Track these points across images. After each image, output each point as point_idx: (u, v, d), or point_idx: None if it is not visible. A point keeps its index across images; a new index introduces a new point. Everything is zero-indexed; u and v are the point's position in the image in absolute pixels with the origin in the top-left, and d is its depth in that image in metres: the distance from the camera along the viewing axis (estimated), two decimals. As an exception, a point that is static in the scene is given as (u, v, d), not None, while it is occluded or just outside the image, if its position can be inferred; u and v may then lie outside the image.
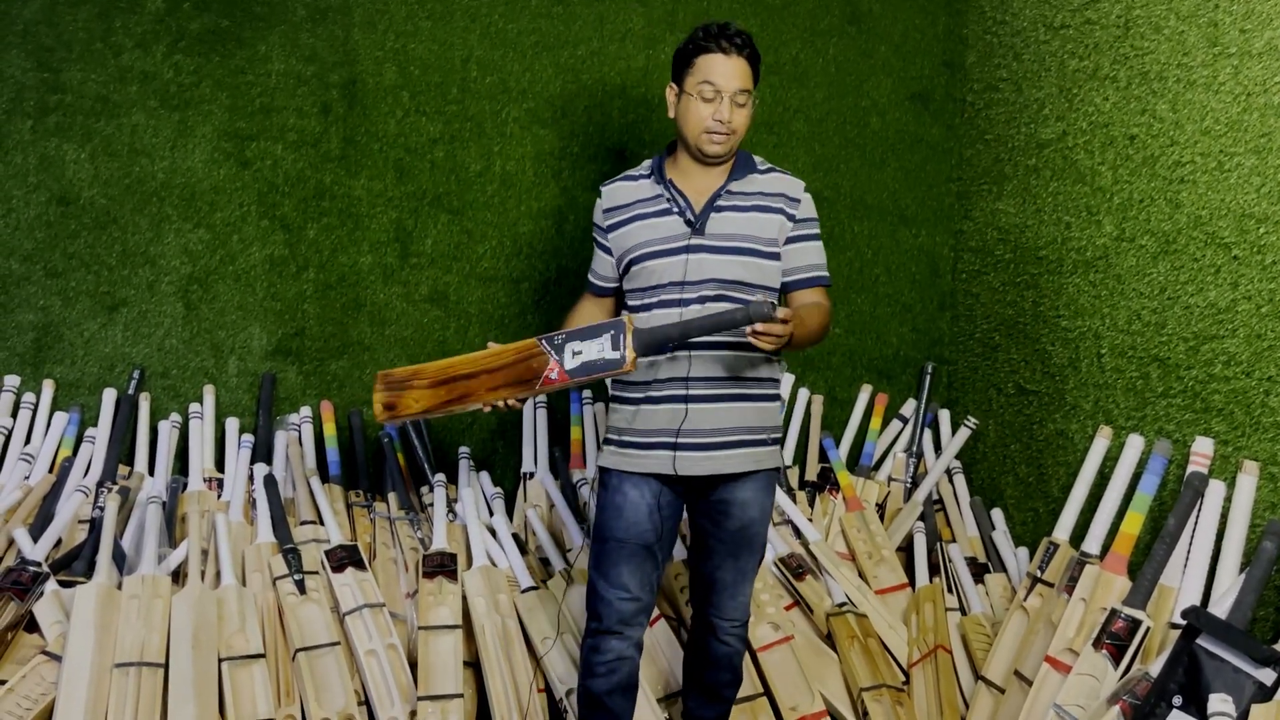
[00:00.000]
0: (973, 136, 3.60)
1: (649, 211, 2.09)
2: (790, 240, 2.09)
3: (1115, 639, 2.29)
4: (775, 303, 1.78)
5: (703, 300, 2.01)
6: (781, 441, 2.14)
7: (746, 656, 2.58)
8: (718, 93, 2.00)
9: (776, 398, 2.14)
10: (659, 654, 2.59)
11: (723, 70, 2.00)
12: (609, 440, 2.12)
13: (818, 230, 2.14)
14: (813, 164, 3.55)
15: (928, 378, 3.59)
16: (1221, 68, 2.55)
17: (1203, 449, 2.51)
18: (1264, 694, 1.92)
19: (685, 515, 2.17)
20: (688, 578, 2.30)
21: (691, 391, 2.01)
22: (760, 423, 2.07)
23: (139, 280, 3.07)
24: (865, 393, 3.60)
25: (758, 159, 2.13)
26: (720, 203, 2.05)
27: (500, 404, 1.94)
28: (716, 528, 2.09)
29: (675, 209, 2.06)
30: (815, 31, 3.54)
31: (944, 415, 3.59)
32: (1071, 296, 3.03)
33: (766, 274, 2.06)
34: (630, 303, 2.11)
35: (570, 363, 1.87)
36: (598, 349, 1.86)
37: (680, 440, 2.02)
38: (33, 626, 2.37)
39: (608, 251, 2.15)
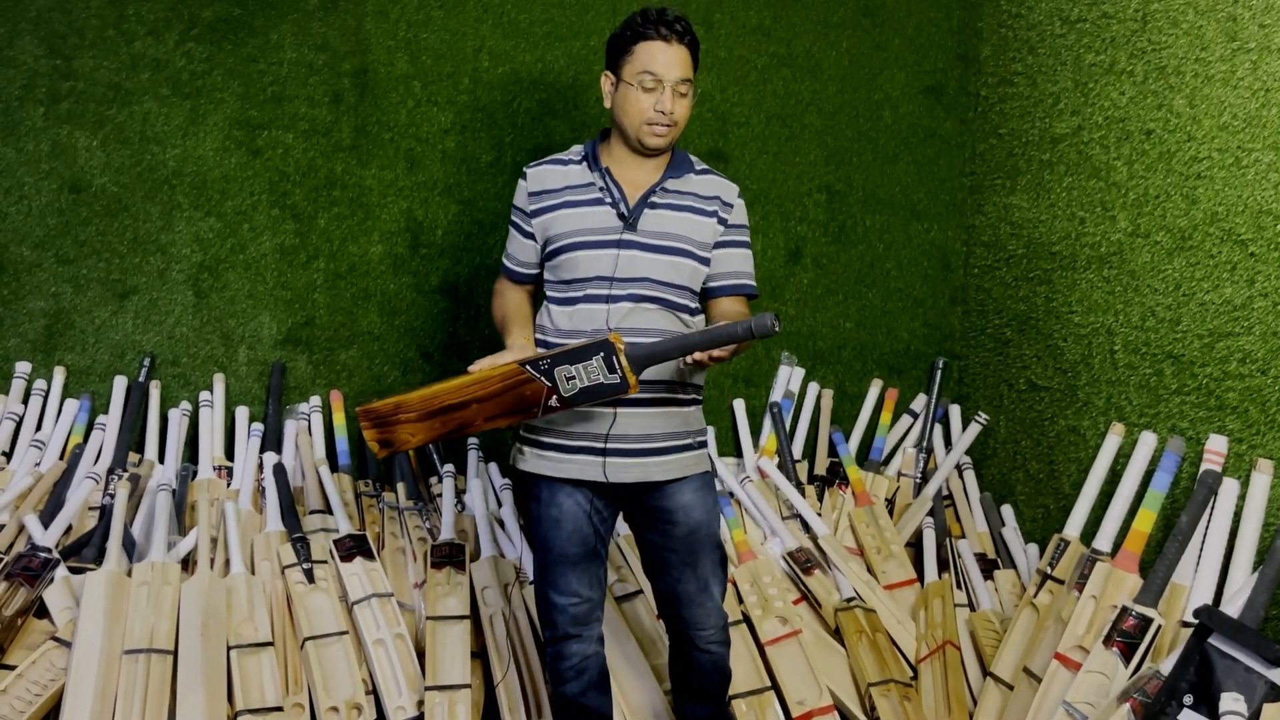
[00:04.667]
0: (986, 131, 3.58)
1: (580, 200, 1.99)
2: (720, 244, 2.03)
3: (1126, 637, 2.28)
4: (777, 314, 1.75)
5: (633, 298, 1.95)
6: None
7: (754, 650, 2.58)
8: (659, 82, 1.93)
9: (701, 402, 2.09)
10: (665, 647, 2.58)
11: (664, 59, 1.93)
12: (525, 440, 2.02)
13: (748, 237, 2.09)
14: (825, 157, 3.53)
15: (938, 373, 3.57)
16: (1240, 63, 2.53)
17: (1216, 447, 2.49)
18: (1276, 694, 1.90)
19: (633, 533, 2.12)
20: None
21: (621, 396, 1.91)
22: (687, 427, 2.02)
23: (150, 268, 3.08)
24: (875, 387, 3.59)
25: (694, 159, 2.07)
26: (655, 199, 1.99)
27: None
28: (665, 539, 2.02)
29: (608, 200, 1.98)
30: (829, 24, 3.53)
31: (954, 410, 3.58)
32: (1084, 292, 3.01)
33: (695, 277, 2.01)
34: (552, 293, 2.03)
35: (567, 389, 1.80)
36: (593, 374, 1.78)
37: (609, 446, 1.95)
38: (43, 612, 2.38)
39: (530, 237, 2.05)
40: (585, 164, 2.03)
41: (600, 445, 1.95)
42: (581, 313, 1.96)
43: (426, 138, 3.23)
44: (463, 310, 3.27)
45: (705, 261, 2.02)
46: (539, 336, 2.03)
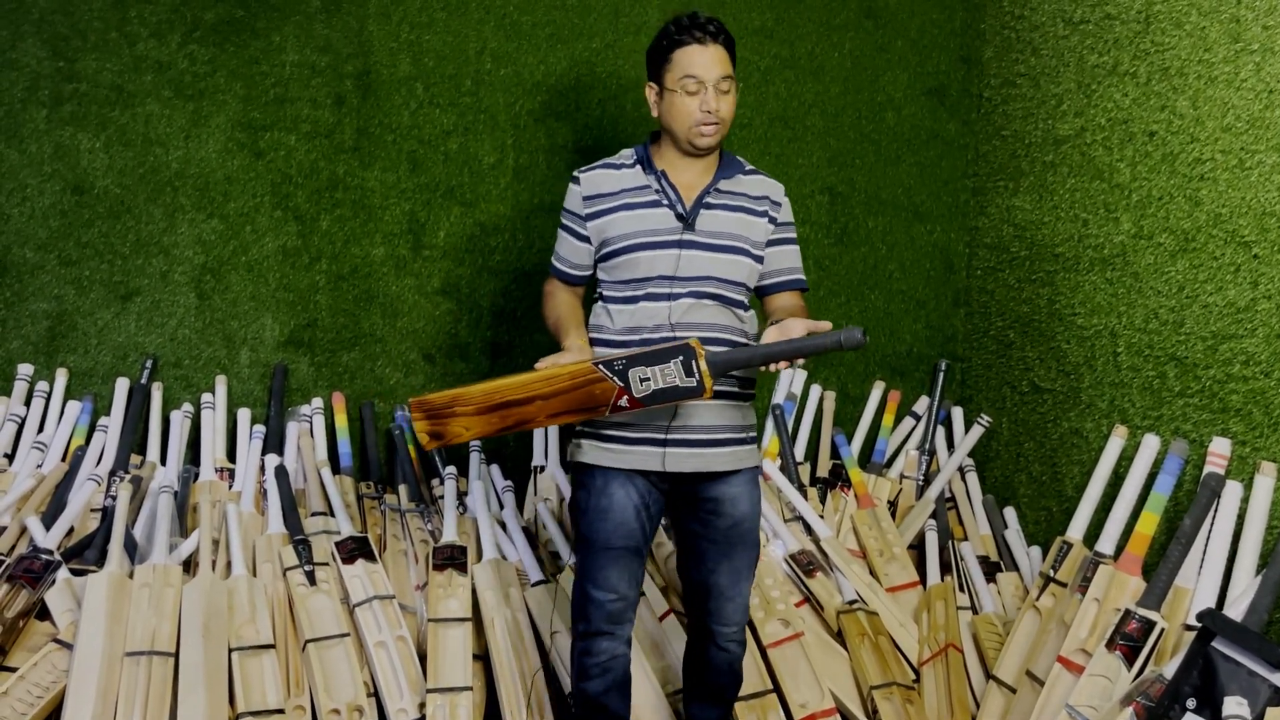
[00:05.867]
0: (989, 132, 3.57)
1: (638, 202, 2.04)
2: (772, 243, 2.10)
3: (1129, 640, 2.27)
4: (865, 329, 1.78)
5: (695, 295, 2.00)
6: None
7: (756, 653, 2.57)
8: (701, 84, 1.98)
9: (754, 397, 2.15)
10: (667, 649, 2.58)
11: (702, 61, 1.99)
12: (584, 434, 2.05)
13: (795, 234, 2.16)
14: (828, 159, 3.53)
15: (941, 375, 3.57)
16: (1243, 64, 2.52)
17: (1220, 449, 2.48)
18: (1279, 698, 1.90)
19: (674, 524, 2.15)
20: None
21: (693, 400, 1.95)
22: (743, 421, 2.07)
23: (152, 270, 3.08)
24: (878, 389, 3.58)
25: (741, 159, 2.13)
26: (709, 200, 2.04)
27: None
28: (707, 529, 2.05)
29: (665, 201, 2.03)
30: (831, 26, 3.52)
31: (957, 413, 3.57)
32: (1088, 294, 3.00)
33: (752, 274, 2.08)
34: (609, 293, 2.07)
35: (640, 390, 1.81)
36: (669, 376, 1.80)
37: (670, 437, 1.99)
38: (44, 614, 2.38)
39: (584, 240, 2.09)
40: (639, 167, 2.08)
41: (661, 436, 1.99)
42: (643, 310, 2.01)
43: (429, 139, 3.23)
44: (465, 312, 3.27)
45: (759, 260, 2.08)
46: (596, 336, 2.06)
